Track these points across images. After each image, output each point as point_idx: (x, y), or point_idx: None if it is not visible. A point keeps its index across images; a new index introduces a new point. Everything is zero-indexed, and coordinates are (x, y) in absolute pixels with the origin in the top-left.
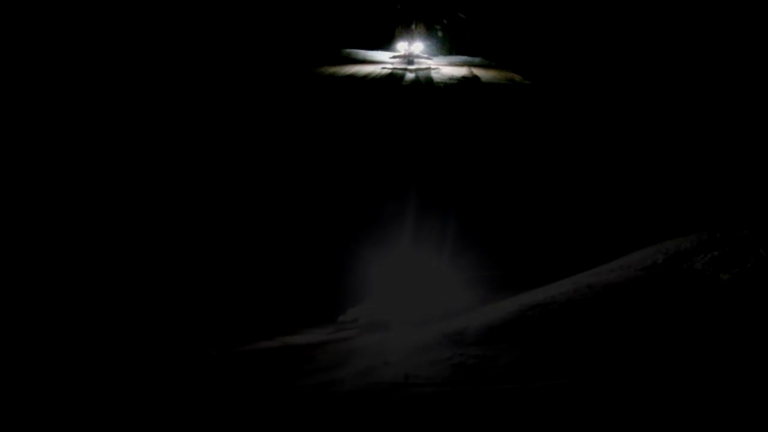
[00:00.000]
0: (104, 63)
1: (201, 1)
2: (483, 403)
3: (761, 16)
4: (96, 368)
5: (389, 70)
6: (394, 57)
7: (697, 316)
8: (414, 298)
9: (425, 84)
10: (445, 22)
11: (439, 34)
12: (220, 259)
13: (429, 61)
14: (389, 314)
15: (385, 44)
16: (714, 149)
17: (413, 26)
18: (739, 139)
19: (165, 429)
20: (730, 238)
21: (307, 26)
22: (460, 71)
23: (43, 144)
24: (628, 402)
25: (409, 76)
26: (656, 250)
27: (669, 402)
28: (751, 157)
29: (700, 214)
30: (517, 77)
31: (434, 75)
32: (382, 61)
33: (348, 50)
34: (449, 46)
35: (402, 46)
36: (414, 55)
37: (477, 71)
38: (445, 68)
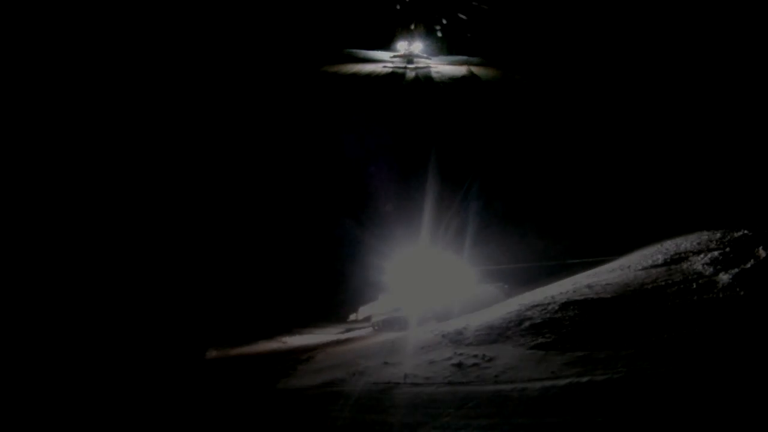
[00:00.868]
0: (109, 63)
1: (211, 4)
2: (482, 402)
3: (761, 16)
4: (96, 368)
5: (390, 69)
6: (394, 56)
7: (697, 316)
8: (429, 295)
9: (425, 82)
10: (444, 22)
11: (439, 34)
12: (227, 259)
13: (428, 61)
14: (405, 311)
15: (386, 44)
16: (714, 149)
17: (413, 26)
18: (739, 140)
19: (161, 428)
20: (730, 238)
21: (312, 27)
22: (460, 70)
23: (43, 144)
24: (629, 402)
25: (410, 74)
26: (656, 250)
27: (669, 402)
28: (751, 158)
29: (700, 214)
30: (517, 76)
31: (434, 74)
32: (382, 60)
33: (350, 50)
34: (448, 46)
35: (402, 46)
36: (414, 54)
37: (476, 70)
38: (445, 67)
